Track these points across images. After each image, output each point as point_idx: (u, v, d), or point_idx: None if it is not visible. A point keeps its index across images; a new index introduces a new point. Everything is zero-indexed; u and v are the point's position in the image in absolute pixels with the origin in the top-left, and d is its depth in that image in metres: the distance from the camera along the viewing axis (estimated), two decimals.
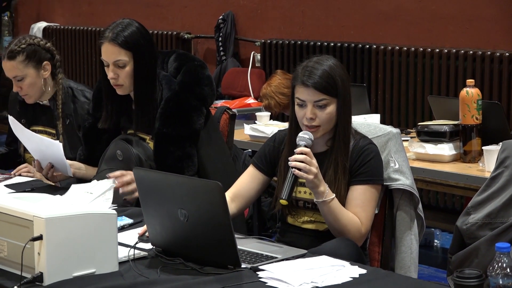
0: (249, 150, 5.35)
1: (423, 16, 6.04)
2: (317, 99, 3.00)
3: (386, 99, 6.13)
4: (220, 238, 2.53)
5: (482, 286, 2.30)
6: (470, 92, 4.03)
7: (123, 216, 3.08)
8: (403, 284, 2.49)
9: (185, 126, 3.46)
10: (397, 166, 3.17)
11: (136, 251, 2.68)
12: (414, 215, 3.22)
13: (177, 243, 2.65)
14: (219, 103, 5.93)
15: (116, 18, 3.57)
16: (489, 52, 5.57)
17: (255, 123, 5.13)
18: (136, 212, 3.12)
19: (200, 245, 2.59)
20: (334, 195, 2.97)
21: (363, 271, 2.52)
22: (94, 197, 3.30)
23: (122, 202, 3.36)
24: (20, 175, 3.79)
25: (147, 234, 2.77)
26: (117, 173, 3.36)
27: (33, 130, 3.82)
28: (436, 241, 5.52)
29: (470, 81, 4.09)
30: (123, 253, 2.65)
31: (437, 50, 5.82)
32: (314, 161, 2.93)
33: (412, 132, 4.67)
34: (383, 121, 5.56)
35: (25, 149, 3.99)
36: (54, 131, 3.97)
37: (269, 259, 2.63)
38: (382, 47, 6.14)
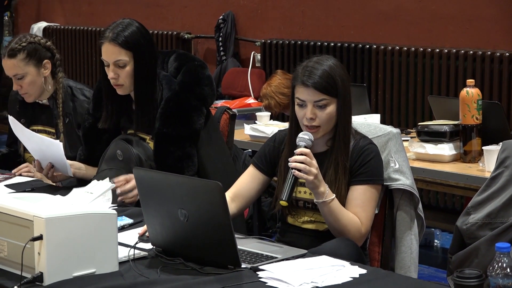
0: (249, 150, 5.35)
1: (423, 16, 6.04)
2: (317, 99, 3.00)
3: (386, 99, 6.13)
4: (220, 238, 2.53)
5: (482, 286, 2.30)
6: (470, 92, 4.03)
7: (123, 216, 3.08)
8: (403, 284, 2.49)
9: (185, 126, 3.47)
10: (397, 166, 3.17)
11: (136, 251, 2.68)
12: (414, 215, 3.22)
13: (177, 243, 2.65)
14: (219, 103, 5.94)
15: (116, 18, 3.57)
16: (489, 52, 5.57)
17: (255, 123, 5.13)
18: (136, 212, 3.12)
19: (200, 245, 2.59)
20: (334, 195, 2.97)
21: (363, 271, 2.52)
22: (94, 197, 3.31)
23: (121, 203, 3.36)
24: (20, 175, 3.78)
25: (147, 234, 2.77)
26: (121, 178, 3.35)
27: (32, 130, 3.82)
28: (436, 241, 5.52)
29: (470, 81, 4.09)
30: (123, 253, 2.65)
31: (437, 50, 5.82)
32: (314, 161, 2.93)
33: (412, 132, 4.67)
34: (383, 121, 5.56)
35: (25, 149, 3.99)
36: (53, 130, 3.98)
37: (269, 259, 2.63)
38: (382, 47, 6.14)
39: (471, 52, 5.65)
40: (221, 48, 7.30)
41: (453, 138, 4.14)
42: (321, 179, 2.95)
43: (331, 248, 2.81)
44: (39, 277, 2.43)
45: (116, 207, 3.25)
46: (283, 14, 6.97)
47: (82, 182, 3.62)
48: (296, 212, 3.14)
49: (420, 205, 3.22)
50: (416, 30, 6.08)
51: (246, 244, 2.77)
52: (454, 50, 5.73)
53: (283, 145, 3.16)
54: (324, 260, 2.59)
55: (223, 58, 7.28)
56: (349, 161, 3.04)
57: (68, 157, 3.65)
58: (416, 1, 6.07)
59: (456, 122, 4.15)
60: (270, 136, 3.52)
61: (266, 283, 2.43)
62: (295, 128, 3.08)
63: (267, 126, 4.94)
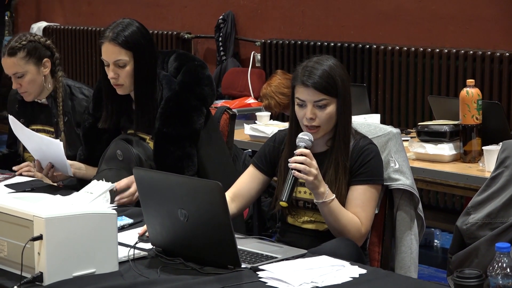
0: (249, 150, 5.35)
1: (423, 16, 6.04)
2: (317, 99, 3.00)
3: (386, 99, 6.12)
4: (220, 238, 2.53)
5: (482, 286, 2.30)
6: (470, 92, 4.03)
7: (123, 216, 3.08)
8: (403, 284, 2.49)
9: (185, 126, 3.47)
10: (397, 166, 3.17)
11: (136, 251, 2.68)
12: (414, 215, 3.22)
13: (177, 243, 2.65)
14: (219, 103, 5.93)
15: (116, 18, 3.57)
16: (489, 52, 5.56)
17: (255, 123, 5.13)
18: (136, 212, 3.12)
19: (200, 245, 2.59)
20: (334, 195, 2.97)
21: (363, 271, 2.52)
22: (94, 197, 3.31)
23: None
24: (21, 174, 3.78)
25: (147, 234, 2.77)
26: (123, 184, 3.35)
27: (31, 129, 3.81)
28: (436, 241, 5.52)
29: (470, 81, 4.09)
30: (123, 253, 2.65)
31: (437, 50, 5.82)
32: (314, 162, 2.93)
33: (412, 132, 4.67)
34: (383, 121, 5.56)
35: (24, 149, 3.99)
36: (52, 129, 3.98)
37: (269, 259, 2.63)
38: (382, 47, 6.13)
39: (471, 52, 5.65)
40: (221, 48, 7.30)
41: (453, 138, 4.14)
42: (321, 179, 2.95)
43: (331, 248, 2.81)
44: (39, 277, 2.43)
45: (115, 207, 3.25)
46: (283, 14, 6.97)
47: (82, 182, 3.62)
48: (296, 212, 3.14)
49: (420, 205, 3.22)
50: (416, 30, 6.08)
51: (246, 244, 2.77)
52: (454, 50, 5.73)
53: (283, 145, 3.16)
54: (324, 260, 2.59)
55: (223, 58, 7.28)
56: (349, 161, 3.04)
57: (67, 156, 3.65)
58: (416, 1, 6.07)
59: (456, 122, 4.15)
60: (270, 136, 3.52)
61: (266, 283, 2.43)
62: (295, 128, 3.08)
63: (267, 126, 4.94)
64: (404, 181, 3.16)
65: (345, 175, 3.04)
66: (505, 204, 2.79)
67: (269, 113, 5.32)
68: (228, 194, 3.11)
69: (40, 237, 2.42)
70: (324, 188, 2.95)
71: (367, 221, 3.03)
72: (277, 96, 5.58)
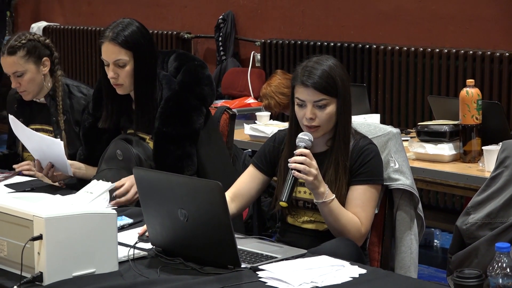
0: (249, 150, 5.35)
1: (423, 16, 6.04)
2: (316, 99, 3.00)
3: (386, 99, 6.12)
4: (220, 238, 2.53)
5: (482, 286, 2.30)
6: (470, 92, 4.03)
7: (123, 216, 3.08)
8: (403, 284, 2.49)
9: (185, 126, 3.46)
10: (397, 166, 3.17)
11: (136, 251, 2.68)
12: (414, 215, 3.22)
13: (177, 243, 2.65)
14: (219, 103, 5.93)
15: (116, 18, 3.57)
16: (489, 52, 5.57)
17: (255, 123, 5.13)
18: (136, 212, 3.12)
19: (200, 245, 2.59)
20: (334, 195, 2.97)
21: (363, 271, 2.52)
22: (94, 197, 3.31)
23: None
24: (21, 172, 3.78)
25: (147, 234, 2.77)
26: (122, 190, 3.34)
27: (31, 129, 3.81)
28: (436, 241, 5.52)
29: (470, 81, 4.09)
30: (123, 253, 2.65)
31: (437, 50, 5.82)
32: (314, 162, 2.93)
33: (412, 132, 4.67)
34: (383, 121, 5.56)
35: (23, 148, 3.99)
36: (51, 128, 3.98)
37: (269, 259, 2.63)
38: (382, 47, 6.13)
39: (471, 52, 5.65)
40: (221, 48, 7.30)
41: (453, 138, 4.14)
42: (320, 179, 2.95)
43: (331, 248, 2.81)
44: (39, 277, 2.43)
45: (115, 207, 3.25)
46: (283, 14, 6.97)
47: (82, 182, 3.62)
48: (296, 212, 3.14)
49: (420, 205, 3.22)
50: (416, 30, 6.08)
51: (246, 244, 2.77)
52: (454, 50, 5.73)
53: (283, 145, 3.16)
54: (323, 260, 2.59)
55: (223, 58, 7.28)
56: (349, 161, 3.04)
57: (67, 155, 3.64)
58: (416, 1, 6.07)
59: (456, 122, 4.15)
60: (270, 136, 3.52)
61: (266, 283, 2.43)
62: (295, 128, 3.08)
63: (267, 126, 4.94)
64: (404, 181, 3.16)
65: (345, 175, 3.04)
66: (505, 204, 2.79)
67: (269, 113, 5.32)
68: (228, 194, 3.11)
69: (40, 237, 2.42)
70: (324, 188, 2.95)
71: (367, 221, 3.03)
72: (277, 96, 5.58)
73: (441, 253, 5.43)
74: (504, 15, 5.64)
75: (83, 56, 8.66)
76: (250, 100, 6.61)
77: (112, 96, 3.56)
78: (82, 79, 8.53)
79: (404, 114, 6.02)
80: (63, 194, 3.32)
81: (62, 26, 8.93)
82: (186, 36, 7.65)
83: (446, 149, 4.12)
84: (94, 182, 3.40)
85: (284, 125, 4.28)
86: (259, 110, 5.69)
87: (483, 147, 3.94)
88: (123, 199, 3.33)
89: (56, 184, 3.74)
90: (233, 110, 3.84)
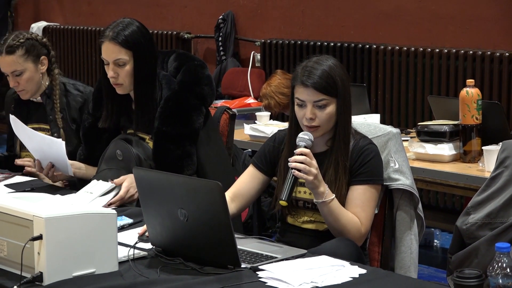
0: (249, 150, 5.35)
1: (423, 16, 6.04)
2: (316, 99, 3.00)
3: (386, 99, 6.13)
4: (220, 238, 2.53)
5: (482, 286, 2.30)
6: (470, 92, 4.03)
7: (123, 216, 3.08)
8: (403, 284, 2.49)
9: (184, 125, 3.46)
10: (397, 166, 3.17)
11: (136, 251, 2.68)
12: (414, 215, 3.22)
13: (177, 243, 2.65)
14: (219, 103, 5.93)
15: (116, 18, 3.56)
16: (489, 52, 5.57)
17: (255, 123, 5.13)
18: (136, 212, 3.12)
19: (200, 245, 2.59)
20: (334, 195, 2.97)
21: (363, 271, 2.52)
22: (94, 197, 3.31)
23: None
24: (24, 169, 3.77)
25: (147, 234, 2.77)
26: (122, 193, 3.34)
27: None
28: (436, 241, 5.52)
29: (470, 81, 4.09)
30: (123, 253, 2.64)
31: (437, 50, 5.82)
32: (314, 162, 2.93)
33: (412, 132, 4.67)
34: (383, 121, 5.56)
35: (21, 148, 4.00)
36: (48, 127, 3.98)
37: (269, 259, 2.63)
38: (382, 47, 6.14)
39: (471, 52, 5.65)
40: (221, 48, 7.30)
41: (453, 138, 4.14)
42: (321, 179, 2.95)
43: (331, 248, 2.81)
44: (39, 277, 2.43)
45: (115, 207, 3.26)
46: (283, 14, 6.97)
47: (82, 182, 3.62)
48: (296, 212, 3.14)
49: (420, 205, 3.22)
50: (416, 30, 6.08)
51: (246, 244, 2.77)
52: (454, 50, 5.73)
53: (283, 145, 3.16)
54: (323, 260, 2.59)
55: (223, 58, 7.28)
56: (349, 161, 3.04)
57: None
58: (416, 1, 6.07)
59: (456, 122, 4.15)
60: (270, 136, 3.52)
61: (266, 283, 2.43)
62: (295, 128, 3.08)
63: (267, 126, 4.94)
64: (404, 181, 3.16)
65: (345, 175, 3.03)
66: (505, 204, 2.79)
67: (269, 113, 5.32)
68: (228, 194, 3.11)
69: (40, 237, 2.42)
70: (324, 187, 2.95)
71: (366, 221, 3.03)
72: (277, 96, 5.58)
73: (441, 253, 5.43)
74: (504, 15, 5.64)
75: (83, 56, 8.66)
76: (250, 100, 6.61)
77: (112, 96, 3.56)
78: (82, 79, 8.53)
79: (404, 114, 6.02)
80: (63, 194, 3.32)
81: (62, 26, 8.93)
82: (186, 36, 7.65)
83: (446, 149, 4.12)
84: (94, 182, 3.40)
85: (284, 125, 4.28)
86: (259, 110, 5.69)
87: (483, 147, 3.94)
88: (117, 197, 3.32)
89: (58, 184, 3.74)
90: (233, 110, 3.84)
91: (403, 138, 3.34)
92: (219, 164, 3.57)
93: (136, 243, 2.74)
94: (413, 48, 5.96)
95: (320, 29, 6.68)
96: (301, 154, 2.92)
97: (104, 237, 2.52)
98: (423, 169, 4.08)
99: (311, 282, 2.41)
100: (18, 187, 3.58)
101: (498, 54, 5.52)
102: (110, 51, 3.44)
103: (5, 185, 3.62)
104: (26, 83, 3.89)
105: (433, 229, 5.54)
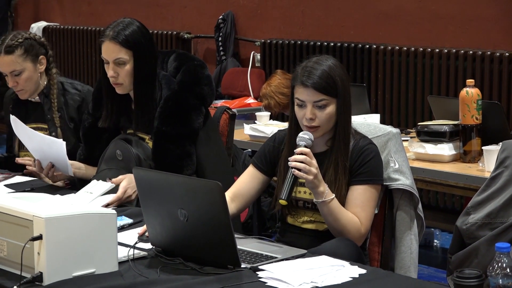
0: (249, 150, 5.35)
1: (423, 16, 6.04)
2: (316, 100, 3.00)
3: (386, 99, 6.13)
4: (220, 238, 2.53)
5: (482, 286, 2.30)
6: (470, 92, 4.03)
7: (123, 216, 3.08)
8: (403, 284, 2.49)
9: (184, 125, 3.46)
10: (397, 166, 3.17)
11: (136, 251, 2.68)
12: (414, 215, 3.22)
13: (177, 243, 2.65)
14: (219, 103, 5.94)
15: (116, 18, 3.57)
16: (489, 52, 5.57)
17: (255, 123, 5.13)
18: (136, 212, 3.12)
19: (200, 245, 2.59)
20: (333, 195, 2.97)
21: (363, 271, 2.52)
22: (94, 197, 3.31)
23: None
24: (24, 169, 3.77)
25: (147, 234, 2.77)
26: (119, 194, 3.33)
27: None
28: (436, 241, 5.52)
29: (470, 81, 4.09)
30: (123, 253, 2.64)
31: (437, 50, 5.82)
32: (314, 161, 2.93)
33: (412, 132, 4.67)
34: (383, 121, 5.56)
35: (19, 148, 4.01)
36: (46, 126, 3.98)
37: (269, 259, 2.63)
38: (382, 47, 6.14)
39: (471, 52, 5.65)
40: (221, 48, 7.30)
41: (453, 138, 4.14)
42: (320, 179, 2.95)
43: (331, 248, 2.81)
44: (39, 277, 2.43)
45: (115, 207, 3.26)
46: (283, 14, 6.97)
47: (82, 182, 3.62)
48: (296, 212, 3.14)
49: (419, 205, 3.22)
50: (416, 30, 6.08)
51: (246, 244, 2.77)
52: (454, 50, 5.73)
53: (283, 145, 3.16)
54: (323, 260, 2.59)
55: (223, 58, 7.28)
56: (349, 161, 3.04)
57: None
58: (416, 1, 6.07)
59: (456, 122, 4.14)
60: (269, 136, 3.52)
61: (266, 283, 2.43)
62: (295, 128, 3.08)
63: (266, 126, 4.94)
64: (404, 181, 3.16)
65: (345, 175, 3.03)
66: (505, 204, 2.79)
67: (269, 113, 5.32)
68: (228, 194, 3.11)
69: (39, 237, 2.42)
70: (323, 187, 2.95)
71: (366, 221, 3.03)
72: (276, 96, 5.58)
73: (441, 253, 5.43)
74: (504, 15, 5.64)
75: (83, 56, 8.66)
76: (250, 100, 6.61)
77: (112, 95, 3.56)
78: (81, 79, 8.53)
79: (404, 114, 6.02)
80: (63, 194, 3.32)
81: (62, 26, 8.93)
82: (186, 36, 7.65)
83: (446, 149, 4.12)
84: (94, 182, 3.40)
85: (284, 125, 4.28)
86: (259, 110, 5.69)
87: (483, 147, 3.94)
88: (114, 198, 3.32)
89: (58, 183, 3.74)
90: (233, 110, 3.84)
91: (403, 138, 3.34)
92: (219, 164, 3.57)
93: (136, 243, 2.74)
94: (413, 48, 5.96)
95: (320, 29, 6.68)
96: (301, 154, 2.92)
97: (104, 237, 2.52)
98: (423, 169, 4.08)
99: (311, 282, 2.41)
100: (18, 187, 3.58)
101: (498, 54, 5.52)
102: (110, 51, 3.44)
103: (5, 185, 3.62)
104: (25, 83, 3.90)
105: (433, 229, 5.54)
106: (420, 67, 5.92)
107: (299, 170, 2.90)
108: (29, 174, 3.81)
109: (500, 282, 2.23)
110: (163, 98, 3.48)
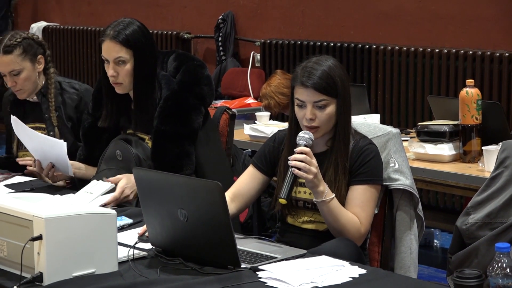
0: (249, 150, 5.35)
1: (423, 16, 6.04)
2: (316, 100, 3.00)
3: (386, 99, 6.13)
4: (220, 238, 2.53)
5: (482, 286, 2.30)
6: (470, 92, 4.03)
7: (123, 216, 3.08)
8: (402, 284, 2.49)
9: (183, 125, 3.47)
10: (397, 166, 3.17)
11: (136, 251, 2.68)
12: (414, 215, 3.22)
13: (177, 243, 2.65)
14: (219, 103, 5.93)
15: (116, 18, 3.57)
16: (489, 52, 5.57)
17: (255, 123, 5.13)
18: (136, 212, 3.12)
19: (200, 245, 2.59)
20: (333, 195, 2.97)
21: (363, 271, 2.52)
22: (94, 197, 3.31)
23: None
24: (25, 169, 3.77)
25: (146, 234, 2.77)
26: (116, 194, 3.33)
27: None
28: (436, 241, 5.52)
29: (470, 81, 4.09)
30: (123, 253, 2.64)
31: (437, 50, 5.82)
32: (314, 160, 2.93)
33: (412, 132, 4.67)
34: (383, 121, 5.56)
35: (18, 148, 4.01)
36: (44, 125, 3.98)
37: (269, 259, 2.63)
38: (382, 47, 6.14)
39: (471, 52, 5.65)
40: (221, 48, 7.30)
41: (453, 138, 4.14)
42: (320, 178, 2.95)
43: (331, 248, 2.81)
44: (39, 277, 2.43)
45: (115, 207, 3.25)
46: (283, 14, 6.97)
47: (82, 182, 3.62)
48: (296, 212, 3.14)
49: (419, 205, 3.22)
50: (416, 30, 6.08)
51: (245, 244, 2.77)
52: (454, 50, 5.73)
53: (282, 145, 3.16)
54: (323, 260, 2.59)
55: (223, 58, 7.28)
56: (349, 161, 3.04)
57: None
58: (416, 1, 6.07)
59: (455, 122, 4.14)
60: (269, 136, 3.52)
61: (266, 283, 2.43)
62: (295, 128, 3.08)
63: (266, 126, 4.94)
64: (404, 181, 3.16)
65: (345, 175, 3.03)
66: (505, 204, 2.79)
67: (269, 113, 5.32)
68: (228, 194, 3.11)
69: (39, 237, 2.42)
70: (323, 187, 2.95)
71: (366, 221, 3.03)
72: (276, 96, 5.58)
73: (441, 253, 5.43)
74: (504, 15, 5.64)
75: (83, 56, 8.66)
76: (250, 100, 6.61)
77: (111, 95, 3.56)
78: (81, 79, 8.52)
79: (404, 114, 6.02)
80: (62, 194, 3.32)
81: (61, 26, 8.93)
82: (186, 36, 7.65)
83: (446, 149, 4.12)
84: (94, 182, 3.40)
85: (284, 125, 4.28)
86: (259, 110, 5.69)
87: (483, 147, 3.94)
88: (111, 198, 3.32)
89: (60, 183, 3.73)
90: (233, 110, 3.84)
91: (403, 138, 3.34)
92: (218, 164, 3.57)
93: (136, 243, 2.74)
94: (413, 48, 5.96)
95: (320, 29, 6.68)
96: (301, 153, 2.92)
97: (104, 237, 2.52)
98: (423, 169, 4.08)
99: (311, 282, 2.41)
100: (18, 187, 3.58)
101: (498, 54, 5.52)
102: (111, 50, 3.44)
103: (5, 185, 3.62)
104: (23, 83, 3.90)
105: (433, 229, 5.54)
106: (420, 67, 5.92)
107: (299, 169, 2.90)
108: (30, 174, 3.81)
109: (500, 282, 2.23)
110: (163, 98, 3.48)
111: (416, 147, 4.19)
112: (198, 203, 2.55)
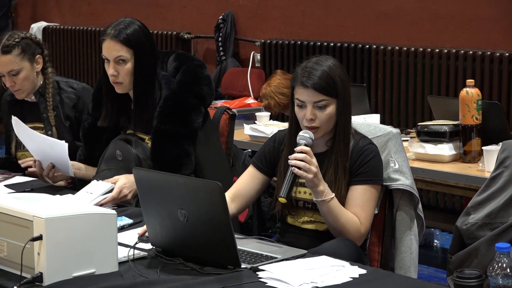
0: (249, 150, 5.35)
1: (423, 16, 6.04)
2: (316, 100, 3.00)
3: (386, 99, 6.13)
4: (220, 238, 2.53)
5: (482, 286, 2.30)
6: (470, 92, 4.03)
7: (123, 216, 3.08)
8: (403, 284, 2.49)
9: (183, 125, 3.47)
10: (397, 166, 3.17)
11: (136, 251, 2.68)
12: (414, 215, 3.22)
13: (177, 243, 2.65)
14: (219, 103, 5.94)
15: (116, 18, 3.57)
16: (489, 52, 5.57)
17: (255, 123, 5.13)
18: (136, 212, 3.12)
19: (200, 245, 2.59)
20: (333, 194, 2.97)
21: (363, 271, 2.52)
22: (94, 197, 3.30)
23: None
24: (26, 169, 3.77)
25: (147, 234, 2.77)
26: (114, 194, 3.33)
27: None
28: (436, 241, 5.52)
29: (470, 81, 4.09)
30: (123, 253, 2.64)
31: (437, 50, 5.82)
32: (314, 160, 2.93)
33: (412, 132, 4.67)
34: (383, 121, 5.56)
35: (16, 148, 4.01)
36: (42, 125, 3.98)
37: (269, 259, 2.63)
38: (382, 47, 6.14)
39: (471, 52, 5.65)
40: (221, 48, 7.30)
41: (453, 138, 4.14)
42: (320, 177, 2.95)
43: (331, 248, 2.81)
44: (39, 277, 2.43)
45: (115, 207, 3.25)
46: (283, 14, 6.97)
47: (82, 182, 3.62)
48: (296, 212, 3.14)
49: (419, 205, 3.22)
50: (416, 30, 6.08)
51: (246, 244, 2.77)
52: (454, 50, 5.73)
53: (283, 145, 3.16)
54: (324, 260, 2.59)
55: (223, 58, 7.28)
56: (349, 161, 3.04)
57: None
58: (416, 1, 6.07)
59: (456, 122, 4.14)
60: (269, 136, 3.52)
61: (266, 283, 2.43)
62: (295, 128, 3.08)
63: (266, 126, 4.94)
64: (404, 181, 3.16)
65: (345, 175, 3.03)
66: (505, 204, 2.79)
67: (269, 113, 5.32)
68: (228, 195, 3.11)
69: (40, 237, 2.42)
70: (323, 186, 2.95)
71: (366, 221, 3.03)
72: (276, 96, 5.58)
73: (441, 253, 5.43)
74: (504, 15, 5.64)
75: (83, 56, 8.66)
76: (250, 100, 6.61)
77: (112, 95, 3.56)
78: (81, 79, 8.52)
79: (404, 114, 6.02)
80: (62, 194, 3.32)
81: (61, 26, 8.93)
82: (186, 36, 7.65)
83: (446, 149, 4.12)
84: (94, 182, 3.40)
85: (284, 125, 4.28)
86: (259, 110, 5.69)
87: (483, 147, 3.94)
88: (109, 197, 3.32)
89: (60, 183, 3.73)
90: (233, 110, 3.84)
91: (403, 138, 3.34)
92: (218, 164, 3.57)
93: (136, 243, 2.74)
94: (413, 48, 5.96)
95: (320, 29, 6.68)
96: (302, 152, 2.92)
97: (104, 237, 2.52)
98: (423, 169, 4.08)
99: (311, 282, 2.41)
100: (18, 188, 3.58)
101: (498, 54, 5.52)
102: (112, 49, 3.45)
103: (5, 186, 3.62)
104: (22, 82, 3.91)
105: (433, 229, 5.54)
106: (420, 67, 5.92)
107: (299, 168, 2.90)
108: (31, 174, 3.81)
109: (500, 282, 2.23)
110: (163, 98, 3.48)
111: (416, 147, 4.19)
112: (198, 203, 2.55)
